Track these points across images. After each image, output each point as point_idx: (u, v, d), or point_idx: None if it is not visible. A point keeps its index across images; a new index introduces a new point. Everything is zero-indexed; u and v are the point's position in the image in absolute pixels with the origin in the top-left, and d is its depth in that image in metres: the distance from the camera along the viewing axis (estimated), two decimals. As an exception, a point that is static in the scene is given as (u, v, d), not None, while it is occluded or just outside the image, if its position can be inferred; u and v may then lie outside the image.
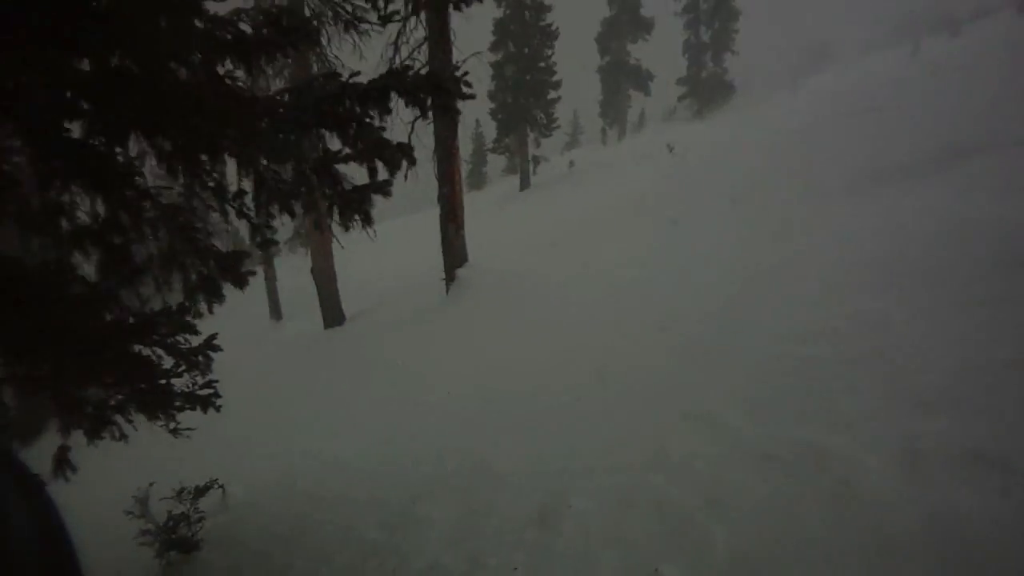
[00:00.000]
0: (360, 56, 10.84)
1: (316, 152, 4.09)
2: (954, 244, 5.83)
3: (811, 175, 11.53)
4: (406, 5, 11.01)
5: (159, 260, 4.31)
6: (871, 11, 54.57)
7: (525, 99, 34.61)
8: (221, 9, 3.76)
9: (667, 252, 10.65)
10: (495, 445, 5.86)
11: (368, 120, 3.81)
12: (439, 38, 12.32)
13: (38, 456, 5.64)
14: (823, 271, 6.65)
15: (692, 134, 29.83)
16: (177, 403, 5.80)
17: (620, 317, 8.05)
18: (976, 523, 2.72)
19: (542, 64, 34.73)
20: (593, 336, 7.76)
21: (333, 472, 7.10)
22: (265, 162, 3.88)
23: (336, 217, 4.26)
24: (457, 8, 8.02)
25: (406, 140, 12.85)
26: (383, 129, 3.97)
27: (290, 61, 14.79)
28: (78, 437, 5.16)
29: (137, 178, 3.61)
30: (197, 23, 3.57)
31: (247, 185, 4.02)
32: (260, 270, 25.00)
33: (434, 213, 13.72)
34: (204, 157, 3.69)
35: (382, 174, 4.11)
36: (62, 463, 5.12)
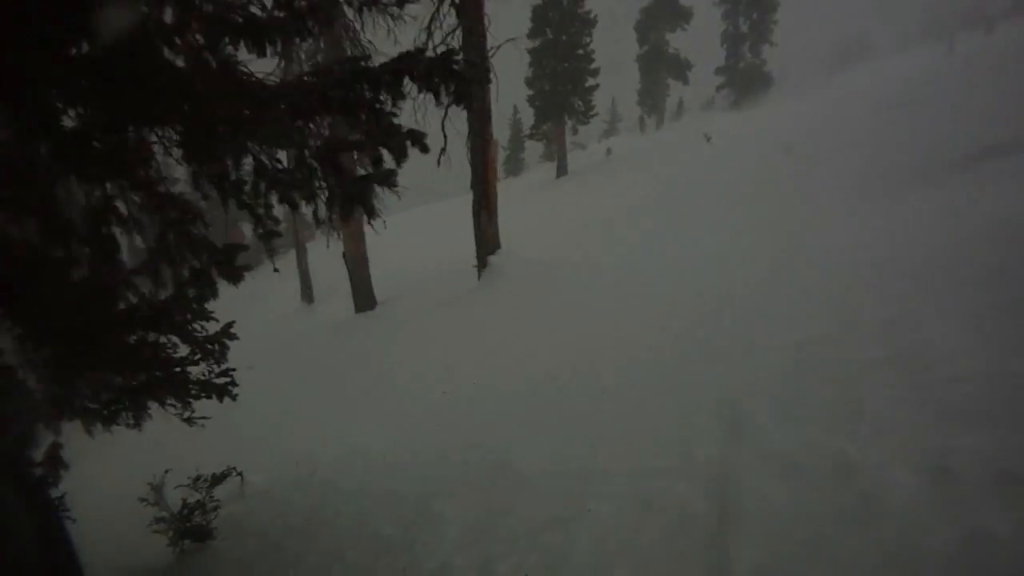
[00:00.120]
0: (395, 42, 10.73)
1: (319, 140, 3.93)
2: (995, 245, 5.53)
3: (849, 170, 11.20)
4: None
5: (152, 254, 4.18)
6: (906, 7, 53.57)
7: (563, 86, 34.41)
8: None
9: (704, 242, 10.39)
10: (517, 441, 5.71)
11: (378, 106, 3.64)
12: (473, 23, 12.16)
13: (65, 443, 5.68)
14: (857, 268, 6.38)
15: (731, 124, 29.40)
16: (193, 391, 5.75)
17: (651, 308, 7.84)
18: (1013, 550, 2.50)
19: (580, 52, 34.55)
20: (623, 327, 7.57)
21: (353, 462, 7.02)
22: (257, 149, 3.72)
23: (336, 209, 4.09)
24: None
25: (439, 126, 12.94)
26: (394, 115, 3.80)
27: (322, 46, 14.77)
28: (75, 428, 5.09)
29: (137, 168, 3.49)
30: (206, 6, 3.45)
31: (244, 175, 3.88)
32: (292, 253, 25.24)
33: (469, 199, 13.57)
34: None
35: (395, 165, 3.94)
36: (54, 461, 5.07)
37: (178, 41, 3.19)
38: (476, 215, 13.31)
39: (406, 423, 7.64)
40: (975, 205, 6.90)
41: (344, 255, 16.99)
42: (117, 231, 3.93)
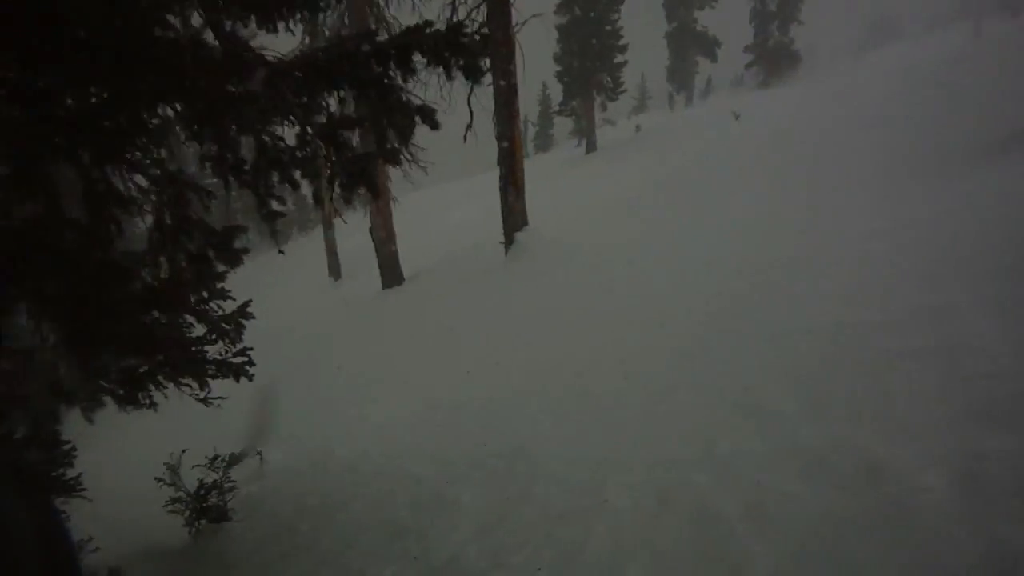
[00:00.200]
0: (419, 17, 10.57)
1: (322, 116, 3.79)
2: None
3: (879, 151, 10.85)
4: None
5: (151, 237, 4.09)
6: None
7: (591, 63, 34.07)
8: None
9: (733, 221, 10.14)
10: (537, 426, 5.61)
11: (386, 81, 3.48)
12: (497, -2, 11.92)
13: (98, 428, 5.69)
14: (891, 255, 6.13)
15: (760, 102, 28.86)
16: (210, 371, 5.70)
17: (679, 289, 7.65)
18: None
19: (608, 28, 34.16)
20: (649, 309, 7.39)
21: (374, 442, 6.97)
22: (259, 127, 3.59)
23: (337, 188, 3.95)
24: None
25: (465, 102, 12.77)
26: (401, 90, 3.64)
27: (346, 23, 14.63)
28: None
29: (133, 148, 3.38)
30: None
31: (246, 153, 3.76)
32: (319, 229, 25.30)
33: (496, 176, 13.40)
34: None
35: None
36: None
37: (172, 18, 3.07)
38: (503, 191, 13.12)
39: (427, 403, 7.54)
40: (1007, 195, 6.62)
41: (371, 231, 16.92)
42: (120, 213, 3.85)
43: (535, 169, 27.27)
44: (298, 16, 3.93)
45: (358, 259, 23.05)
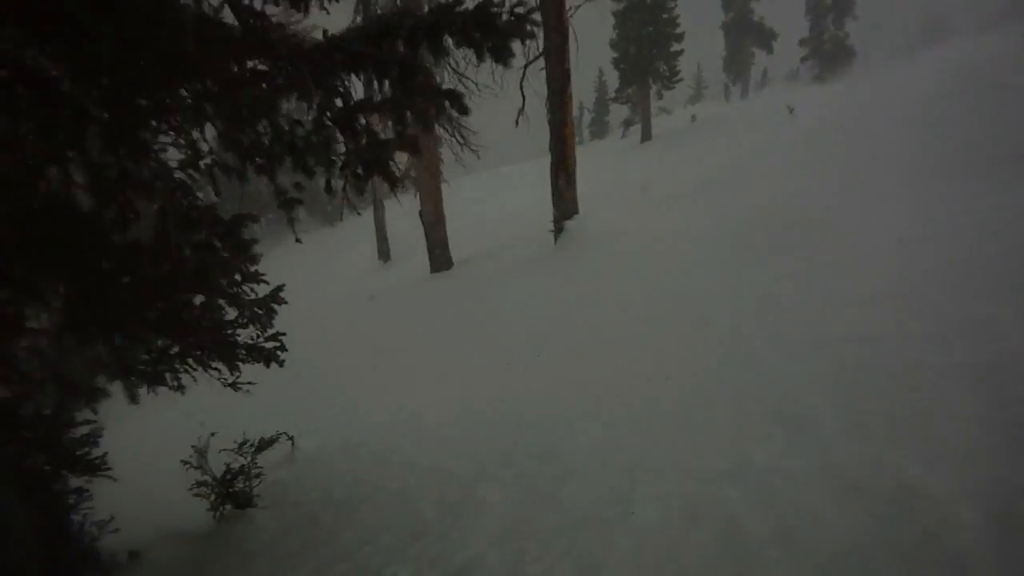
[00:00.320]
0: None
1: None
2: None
3: (931, 152, 10.30)
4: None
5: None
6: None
7: (647, 50, 33.61)
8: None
9: (785, 220, 9.75)
10: (571, 424, 5.47)
11: (412, 63, 3.30)
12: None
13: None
14: (940, 261, 5.81)
15: (815, 97, 28.17)
16: (240, 355, 5.64)
17: (727, 287, 7.34)
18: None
19: (665, 16, 33.74)
20: (695, 305, 7.12)
21: (406, 433, 6.88)
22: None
23: (351, 177, 3.77)
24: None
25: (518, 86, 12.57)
26: (429, 74, 3.46)
27: (398, 3, 14.50)
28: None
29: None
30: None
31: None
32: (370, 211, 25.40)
33: (548, 162, 13.19)
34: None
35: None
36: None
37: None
38: (554, 177, 12.86)
39: (465, 394, 7.43)
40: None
41: (420, 214, 16.84)
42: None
43: (589, 156, 26.99)
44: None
45: (409, 241, 23.07)
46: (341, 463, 6.63)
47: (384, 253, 25.77)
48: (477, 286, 13.24)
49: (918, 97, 15.70)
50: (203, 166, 3.96)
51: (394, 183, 3.90)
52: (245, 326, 5.65)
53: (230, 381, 5.65)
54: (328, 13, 3.90)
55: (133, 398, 5.34)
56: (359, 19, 13.56)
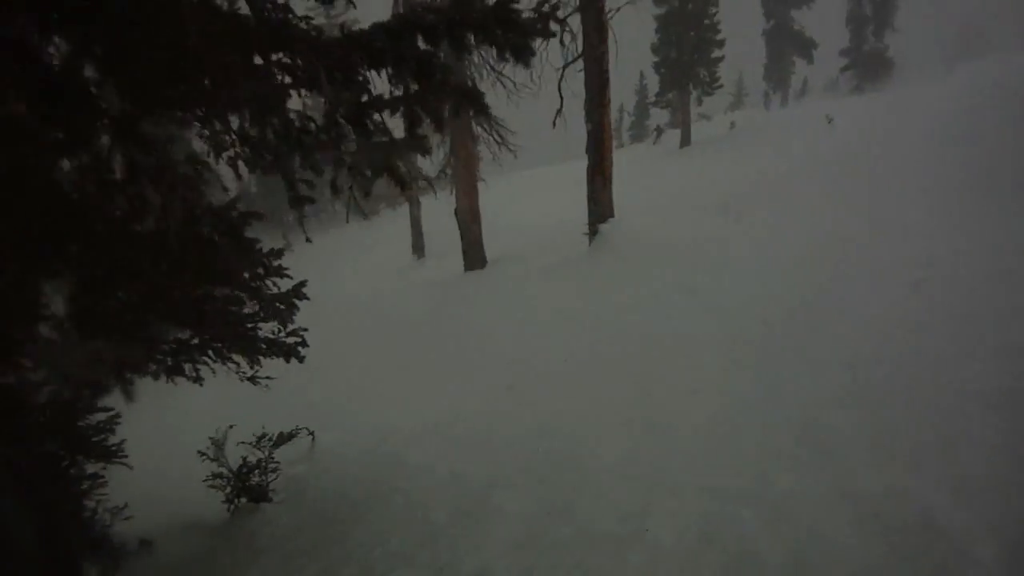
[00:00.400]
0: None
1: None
2: None
3: (967, 168, 9.97)
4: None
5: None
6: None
7: (688, 56, 33.36)
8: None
9: (823, 231, 9.51)
10: (593, 432, 5.41)
11: (431, 59, 3.21)
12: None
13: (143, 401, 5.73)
14: (976, 280, 5.66)
15: (854, 107, 27.62)
16: (261, 349, 5.62)
17: (761, 299, 7.17)
18: None
19: (706, 21, 33.58)
20: (728, 317, 7.01)
21: (426, 435, 6.82)
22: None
23: (358, 177, 3.69)
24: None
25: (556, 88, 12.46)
26: (448, 70, 3.36)
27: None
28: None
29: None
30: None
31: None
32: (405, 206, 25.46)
33: (585, 164, 13.08)
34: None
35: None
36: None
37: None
38: (590, 180, 12.73)
39: (489, 397, 7.37)
40: None
41: (456, 211, 16.78)
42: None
43: (627, 159, 26.77)
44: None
45: (444, 238, 23.06)
46: (359, 462, 6.60)
47: (419, 249, 25.79)
48: (509, 287, 13.14)
49: (956, 111, 15.34)
50: (226, 158, 3.92)
51: (404, 185, 3.81)
52: (267, 320, 5.63)
53: (249, 375, 5.63)
54: (355, 7, 3.85)
55: (129, 396, 5.32)
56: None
